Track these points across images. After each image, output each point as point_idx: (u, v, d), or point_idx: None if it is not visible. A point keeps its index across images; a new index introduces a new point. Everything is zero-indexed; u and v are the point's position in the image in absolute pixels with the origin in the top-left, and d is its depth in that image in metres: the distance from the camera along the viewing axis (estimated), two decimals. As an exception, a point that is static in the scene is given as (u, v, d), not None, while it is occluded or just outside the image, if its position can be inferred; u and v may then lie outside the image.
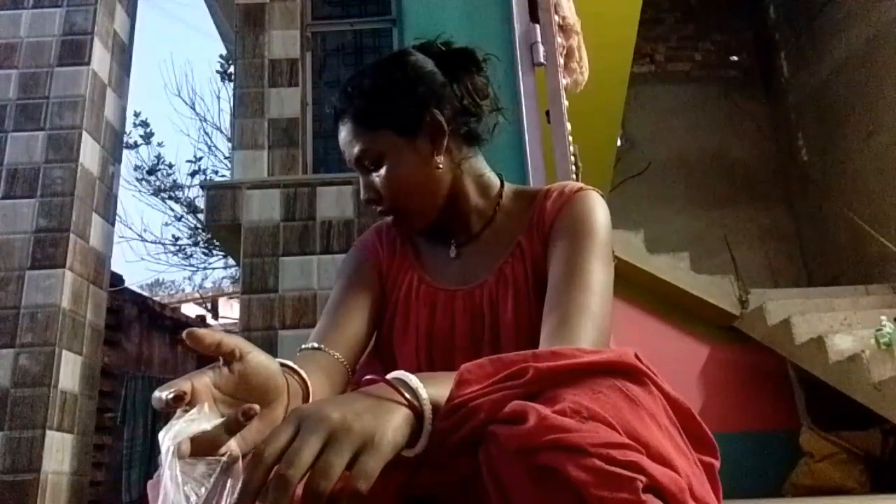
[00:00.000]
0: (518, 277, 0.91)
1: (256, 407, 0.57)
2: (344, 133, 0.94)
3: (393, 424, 0.55)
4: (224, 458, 0.56)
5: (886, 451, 3.40)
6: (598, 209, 0.92)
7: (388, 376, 0.61)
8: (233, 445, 0.58)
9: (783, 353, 3.88)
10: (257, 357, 0.64)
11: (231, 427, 0.57)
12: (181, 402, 0.57)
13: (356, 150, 0.92)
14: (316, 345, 0.87)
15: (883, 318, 3.46)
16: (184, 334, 0.58)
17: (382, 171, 0.92)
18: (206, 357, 0.63)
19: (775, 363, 4.03)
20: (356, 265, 1.01)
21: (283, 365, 0.72)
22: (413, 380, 0.60)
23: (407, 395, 0.58)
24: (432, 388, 0.60)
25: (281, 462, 0.50)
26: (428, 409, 0.58)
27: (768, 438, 3.97)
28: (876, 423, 3.36)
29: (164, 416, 0.63)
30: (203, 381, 0.60)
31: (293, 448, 0.50)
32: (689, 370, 4.16)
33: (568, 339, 0.77)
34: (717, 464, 0.64)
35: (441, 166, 0.93)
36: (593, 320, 0.80)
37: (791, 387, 4.08)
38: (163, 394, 0.57)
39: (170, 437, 0.55)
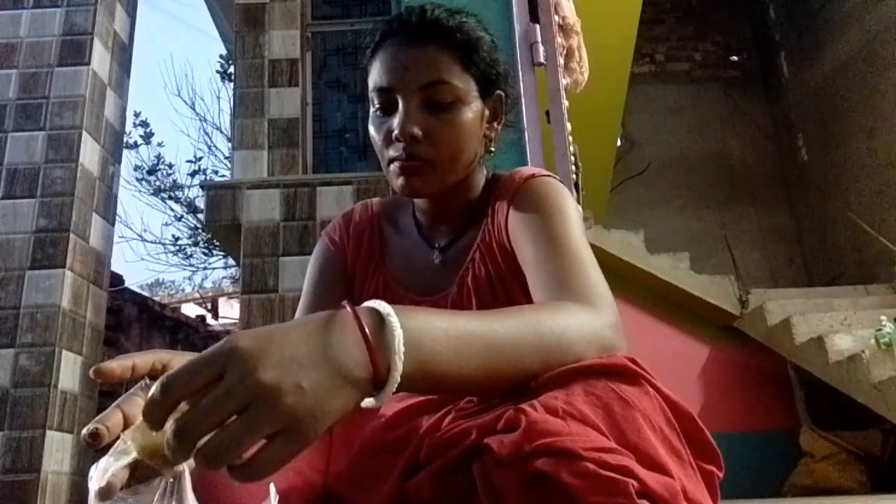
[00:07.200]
0: (480, 285, 0.86)
1: None
2: (418, 54, 0.85)
3: (336, 406, 0.46)
4: (162, 480, 0.53)
5: (886, 451, 3.40)
6: (555, 189, 0.87)
7: (366, 306, 0.53)
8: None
9: (783, 353, 3.87)
10: (181, 359, 0.60)
11: None
12: (99, 440, 0.53)
13: (436, 77, 0.84)
14: None
15: (883, 318, 3.46)
16: (91, 373, 0.55)
17: (448, 113, 0.84)
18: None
19: (775, 363, 4.03)
20: (324, 263, 0.97)
21: None
22: (393, 331, 0.51)
23: (378, 358, 0.49)
24: (421, 351, 0.52)
25: (189, 409, 0.44)
26: (396, 372, 0.50)
27: (768, 438, 3.97)
28: (876, 423, 3.36)
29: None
30: (135, 403, 0.57)
31: (204, 404, 0.43)
32: (689, 370, 4.16)
33: (577, 292, 0.72)
34: (720, 473, 0.63)
35: (484, 140, 0.92)
36: (594, 269, 0.76)
37: (791, 387, 4.08)
38: (84, 432, 0.54)
39: (96, 478, 0.51)
